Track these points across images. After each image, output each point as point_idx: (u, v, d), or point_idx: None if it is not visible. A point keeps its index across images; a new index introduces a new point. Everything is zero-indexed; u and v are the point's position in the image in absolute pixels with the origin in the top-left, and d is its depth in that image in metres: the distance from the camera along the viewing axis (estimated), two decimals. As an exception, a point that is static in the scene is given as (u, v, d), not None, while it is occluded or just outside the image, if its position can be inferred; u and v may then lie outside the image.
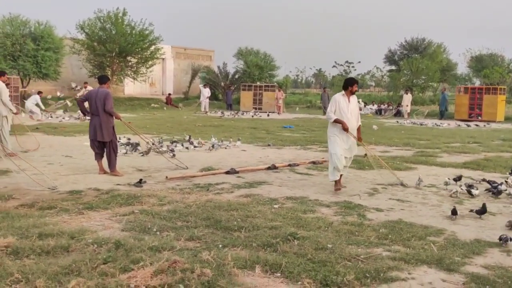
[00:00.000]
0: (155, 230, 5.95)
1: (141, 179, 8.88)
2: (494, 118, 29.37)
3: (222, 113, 32.34)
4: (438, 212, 7.39)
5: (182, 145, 13.88)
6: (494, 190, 8.55)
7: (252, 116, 30.27)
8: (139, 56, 35.75)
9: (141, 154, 12.32)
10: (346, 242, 5.71)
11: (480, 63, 52.91)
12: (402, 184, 9.31)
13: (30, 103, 23.77)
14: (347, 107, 8.71)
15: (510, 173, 10.27)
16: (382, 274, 4.74)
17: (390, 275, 4.75)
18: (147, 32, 35.57)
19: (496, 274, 4.85)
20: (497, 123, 28.19)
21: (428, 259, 5.20)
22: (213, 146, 13.87)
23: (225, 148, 14.16)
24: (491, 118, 29.43)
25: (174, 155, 11.75)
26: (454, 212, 6.93)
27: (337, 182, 8.72)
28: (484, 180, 9.56)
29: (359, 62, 68.30)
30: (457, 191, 8.42)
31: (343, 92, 8.80)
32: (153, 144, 13.08)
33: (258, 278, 4.62)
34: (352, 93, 8.79)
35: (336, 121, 8.61)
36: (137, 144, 13.36)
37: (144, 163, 11.21)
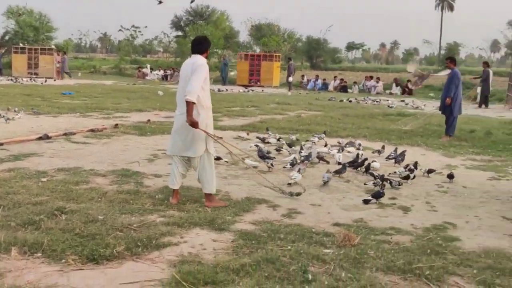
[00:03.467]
0: None
1: None
2: (271, 83, 31.74)
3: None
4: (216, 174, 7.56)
5: None
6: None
7: (42, 83, 27.40)
8: None
9: None
10: (119, 211, 5.46)
11: (259, 32, 56.49)
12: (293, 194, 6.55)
13: None
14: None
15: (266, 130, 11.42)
16: (154, 241, 4.63)
17: (162, 241, 4.67)
18: None
19: (262, 228, 5.14)
20: (273, 88, 30.52)
21: (201, 221, 5.27)
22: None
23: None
24: (268, 83, 31.74)
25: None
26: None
27: None
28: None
29: (146, 27, 67.36)
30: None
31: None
32: None
33: (14, 261, 4.10)
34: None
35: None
36: None
37: None
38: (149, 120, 12.85)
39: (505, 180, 7.86)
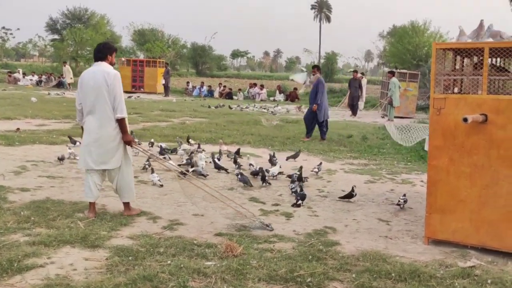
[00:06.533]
0: None
1: None
2: (155, 90, 31.03)
3: None
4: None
5: None
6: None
7: None
8: None
9: None
10: (-25, 232, 4.84)
11: (143, 37, 55.24)
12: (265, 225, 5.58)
13: None
14: None
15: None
16: (16, 264, 4.14)
17: (25, 263, 4.19)
18: None
19: (140, 243, 4.82)
20: (157, 95, 29.83)
21: (72, 238, 4.83)
22: None
23: None
24: (152, 90, 31.00)
25: None
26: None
27: None
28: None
29: (18, 29, 63.02)
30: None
31: None
32: None
33: None
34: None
35: None
36: None
37: None
38: (18, 129, 11.82)
39: (380, 183, 8.24)
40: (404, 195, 6.74)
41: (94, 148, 5.60)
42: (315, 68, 13.31)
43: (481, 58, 5.15)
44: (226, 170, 8.49)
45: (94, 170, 5.68)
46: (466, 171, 5.05)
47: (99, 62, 5.68)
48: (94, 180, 5.70)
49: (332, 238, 5.28)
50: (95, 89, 5.52)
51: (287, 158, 9.73)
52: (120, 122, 5.62)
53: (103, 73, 5.54)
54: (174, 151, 9.95)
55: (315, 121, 12.70)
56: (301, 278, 4.11)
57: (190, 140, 11.15)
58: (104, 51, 5.75)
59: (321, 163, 8.89)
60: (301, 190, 6.98)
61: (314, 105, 12.47)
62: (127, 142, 5.72)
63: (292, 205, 6.54)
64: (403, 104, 20.62)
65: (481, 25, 5.56)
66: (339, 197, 7.02)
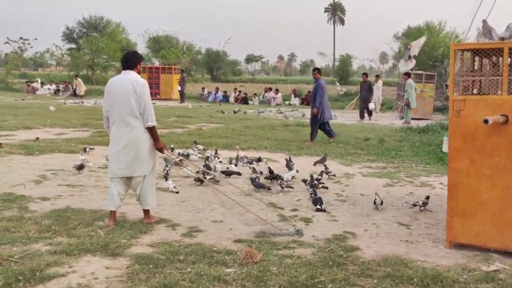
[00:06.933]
0: None
1: None
2: (171, 96, 31.19)
3: None
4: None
5: None
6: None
7: None
8: None
9: None
10: (-1, 242, 4.90)
11: (157, 44, 55.58)
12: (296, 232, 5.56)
13: None
14: None
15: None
16: (38, 274, 4.17)
17: (47, 272, 4.22)
18: None
19: (160, 251, 4.84)
20: (173, 101, 29.98)
21: (93, 247, 4.86)
22: None
23: None
24: (168, 96, 31.16)
25: None
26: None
27: None
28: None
29: (36, 39, 63.99)
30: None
31: None
32: None
33: None
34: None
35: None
36: None
37: None
38: (37, 138, 11.97)
39: (399, 186, 8.16)
40: (427, 197, 6.72)
41: (123, 156, 5.65)
42: (315, 70, 13.27)
43: (500, 58, 5.09)
44: (238, 173, 8.51)
45: (118, 179, 5.73)
46: (487, 173, 4.98)
47: (128, 71, 5.73)
48: (118, 190, 5.74)
49: (352, 243, 5.24)
50: (124, 97, 5.57)
51: (315, 163, 9.72)
52: (151, 130, 5.69)
53: (132, 81, 5.59)
54: (188, 156, 9.96)
55: (315, 124, 12.82)
56: (322, 284, 4.08)
57: (197, 145, 11.18)
58: (134, 60, 5.82)
59: (326, 166, 8.89)
60: (315, 194, 6.93)
61: (314, 109, 12.61)
62: (159, 149, 5.80)
63: (317, 210, 6.51)
64: (419, 105, 20.39)
65: (485, 24, 5.51)
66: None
